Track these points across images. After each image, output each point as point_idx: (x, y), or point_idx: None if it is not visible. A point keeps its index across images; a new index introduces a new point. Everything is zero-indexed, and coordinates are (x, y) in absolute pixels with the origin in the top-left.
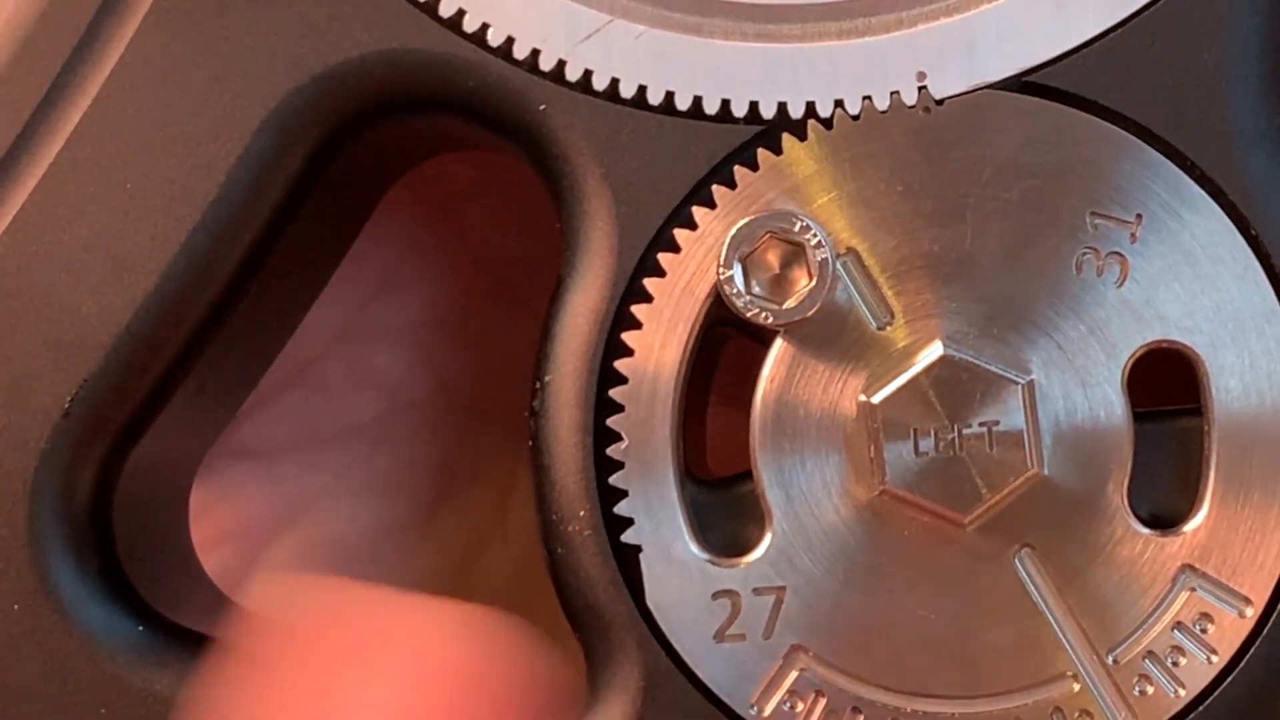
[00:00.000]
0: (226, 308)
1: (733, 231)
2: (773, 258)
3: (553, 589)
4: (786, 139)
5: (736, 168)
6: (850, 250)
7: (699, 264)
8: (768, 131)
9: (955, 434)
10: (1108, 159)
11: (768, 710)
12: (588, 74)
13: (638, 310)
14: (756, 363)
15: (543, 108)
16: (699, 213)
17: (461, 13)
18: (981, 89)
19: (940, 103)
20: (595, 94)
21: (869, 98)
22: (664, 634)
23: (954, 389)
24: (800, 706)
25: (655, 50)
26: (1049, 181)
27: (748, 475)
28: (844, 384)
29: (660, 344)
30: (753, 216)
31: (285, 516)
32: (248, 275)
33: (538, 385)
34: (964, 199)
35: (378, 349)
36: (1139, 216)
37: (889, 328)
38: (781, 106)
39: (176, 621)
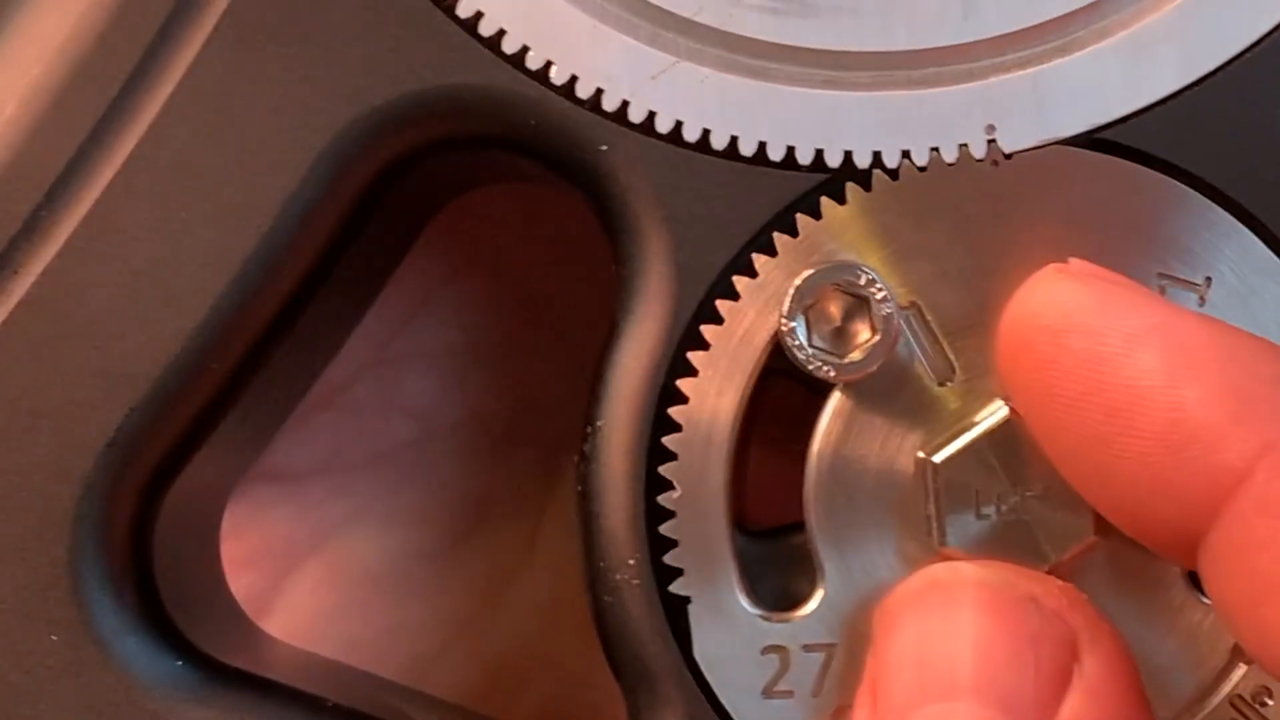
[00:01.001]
0: (274, 339)
1: (797, 282)
2: (835, 310)
3: (582, 620)
4: (850, 188)
5: (799, 216)
6: (912, 304)
7: (758, 312)
8: (831, 180)
9: (1018, 497)
10: (1177, 219)
11: None
12: (651, 115)
13: (694, 357)
14: (811, 413)
15: (604, 148)
16: (759, 260)
17: (525, 49)
18: (1051, 144)
19: (1009, 156)
20: (658, 136)
21: (936, 149)
22: (710, 687)
23: (1016, 450)
24: None
25: (721, 94)
26: (1116, 240)
27: (799, 527)
28: (902, 440)
29: (716, 392)
30: (818, 268)
31: (312, 541)
32: (297, 306)
33: (589, 429)
34: (1028, 255)
35: (409, 375)
36: (1208, 280)
37: (949, 384)
38: (847, 155)
39: (213, 655)
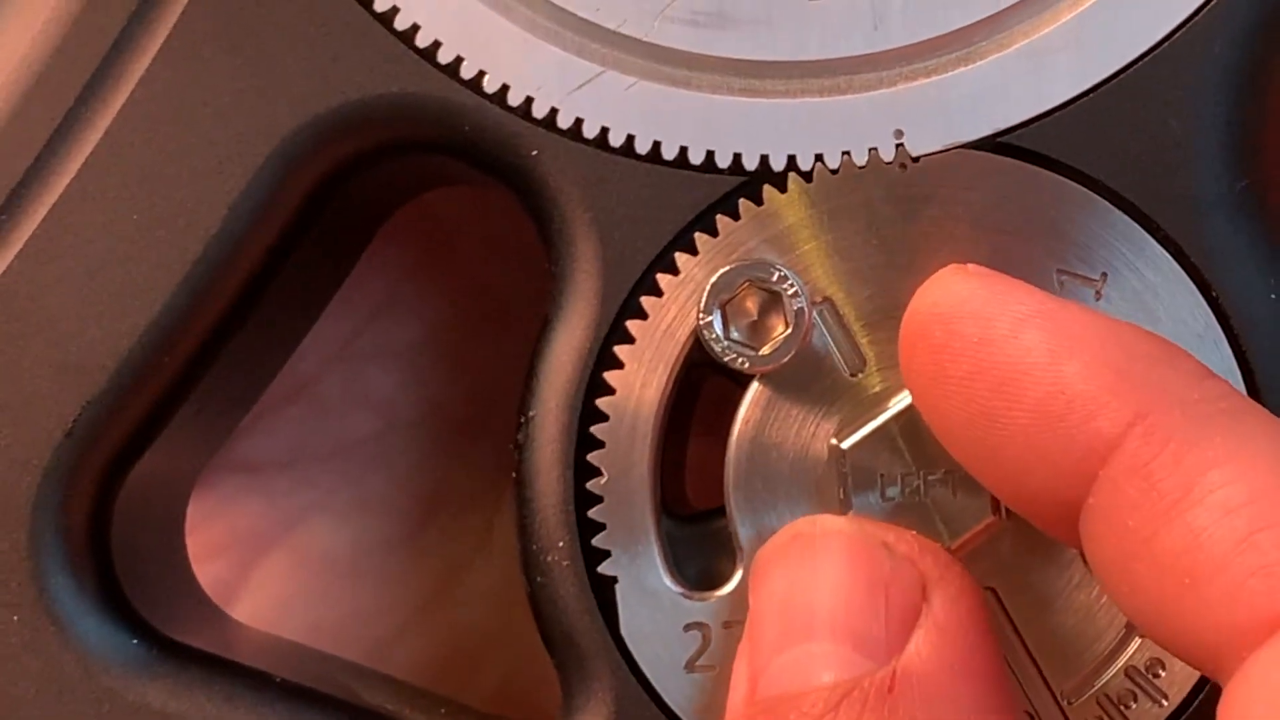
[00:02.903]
0: (225, 335)
1: (714, 279)
2: (751, 305)
3: None
4: (768, 190)
5: (719, 216)
6: (826, 299)
7: (680, 308)
8: (750, 182)
9: (920, 480)
10: (1075, 219)
11: None
12: (578, 122)
13: (620, 350)
14: (733, 403)
15: (535, 153)
16: (681, 258)
17: (459, 59)
18: (956, 148)
19: (916, 160)
20: (585, 141)
21: (848, 153)
22: (636, 663)
23: (920, 436)
24: None
25: (644, 101)
26: (1018, 238)
27: (722, 511)
28: (816, 428)
29: (641, 384)
30: (733, 265)
31: (278, 530)
32: (247, 305)
33: (522, 420)
34: (936, 253)
35: (372, 370)
36: (1104, 275)
37: (861, 375)
38: (764, 159)
39: (171, 636)
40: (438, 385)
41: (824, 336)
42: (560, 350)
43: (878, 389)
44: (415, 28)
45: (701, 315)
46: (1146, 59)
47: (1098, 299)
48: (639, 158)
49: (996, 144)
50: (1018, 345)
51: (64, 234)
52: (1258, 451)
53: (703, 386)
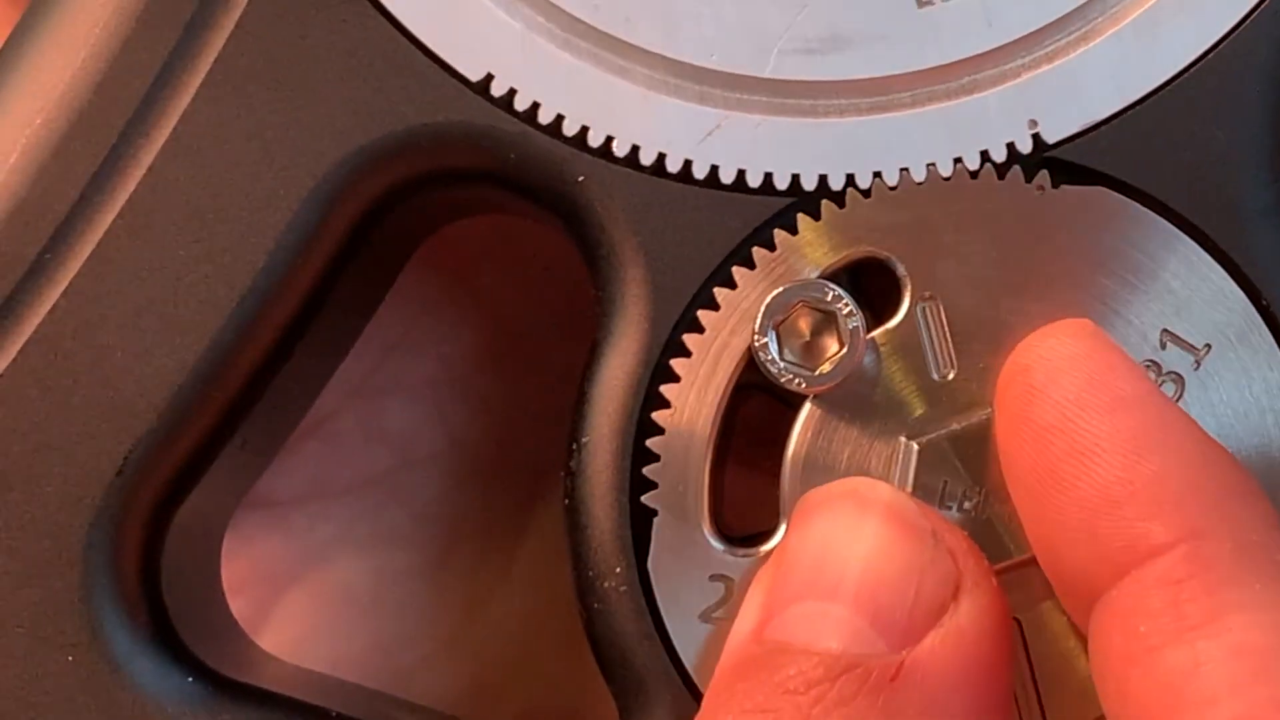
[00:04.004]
0: (272, 368)
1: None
2: (804, 325)
3: (560, 633)
4: (877, 186)
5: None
6: (932, 297)
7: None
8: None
9: (980, 497)
10: (1193, 282)
11: None
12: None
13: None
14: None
15: (581, 179)
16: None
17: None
18: (1090, 128)
19: (1056, 186)
20: (633, 166)
21: (985, 151)
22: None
23: (990, 455)
24: None
25: (774, 137)
26: (1133, 290)
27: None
28: (870, 447)
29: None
30: (787, 286)
31: (298, 566)
32: (293, 337)
33: (574, 446)
34: (1050, 284)
35: (390, 405)
36: (1208, 346)
37: (942, 380)
38: (904, 172)
39: (221, 672)
40: (457, 418)
41: (920, 333)
42: (611, 375)
43: (958, 398)
44: (532, 103)
45: (756, 337)
46: (1189, 71)
47: (1196, 368)
48: (690, 181)
49: (1044, 159)
50: (1108, 423)
51: (110, 272)
52: None
53: (740, 412)
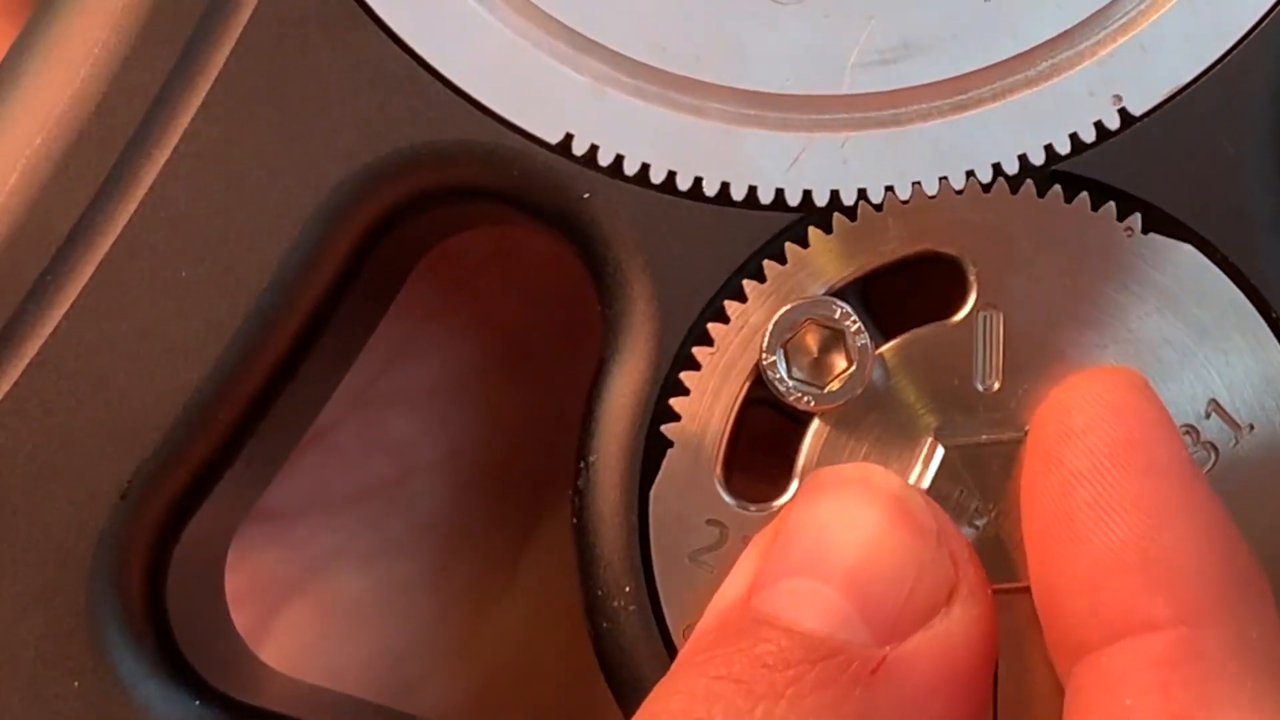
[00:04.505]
0: (277, 388)
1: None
2: (812, 342)
3: (563, 642)
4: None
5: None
6: (994, 306)
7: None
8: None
9: (993, 514)
10: (1251, 362)
11: None
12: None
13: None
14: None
15: (586, 196)
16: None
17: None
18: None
19: (1146, 231)
20: (639, 183)
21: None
22: (648, 526)
23: (1013, 475)
24: None
25: (862, 153)
26: (1191, 354)
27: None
28: (893, 439)
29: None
30: (794, 304)
31: (300, 577)
32: (297, 356)
33: (581, 465)
34: (1112, 325)
35: (392, 414)
36: (1251, 426)
37: (984, 390)
38: (996, 167)
39: (228, 693)
40: (458, 428)
41: (975, 339)
42: (618, 393)
43: (994, 412)
44: (615, 155)
45: (765, 355)
46: (1193, 85)
47: (1234, 444)
48: (696, 197)
49: (1053, 172)
50: (1136, 485)
51: (112, 293)
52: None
53: (744, 428)
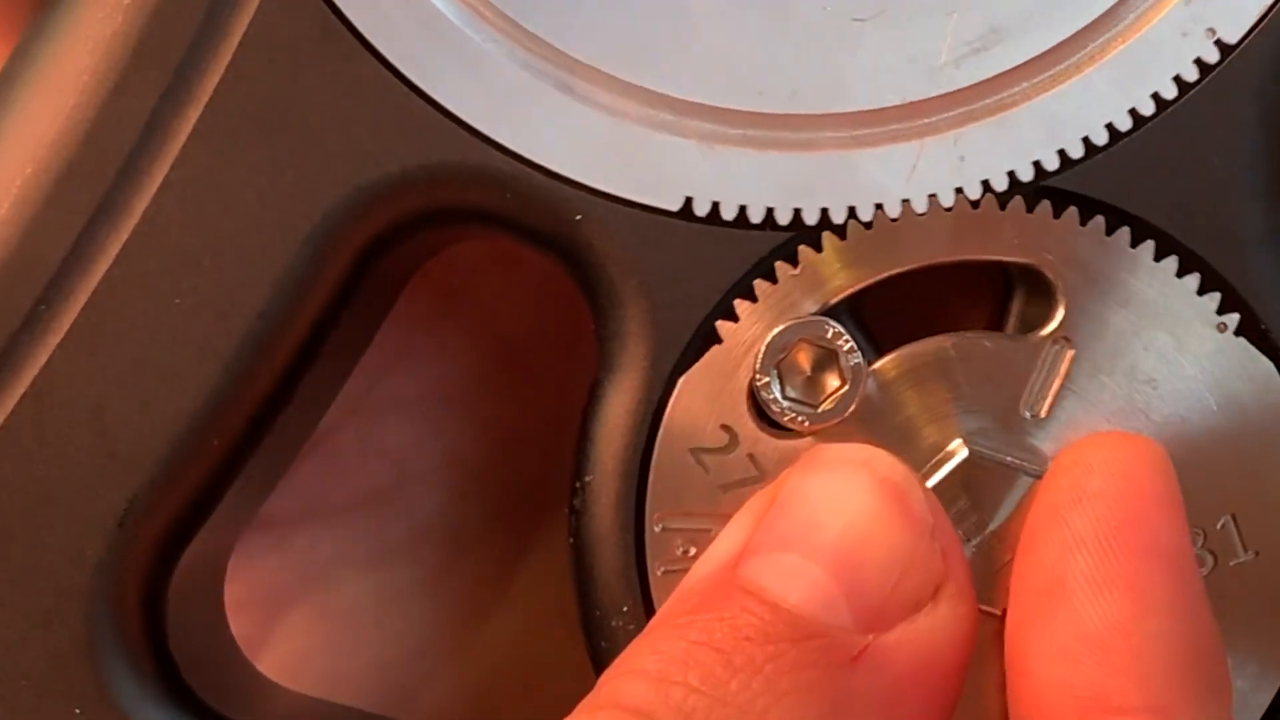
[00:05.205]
0: (272, 411)
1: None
2: (804, 361)
3: (559, 648)
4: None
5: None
6: (1066, 340)
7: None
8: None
9: (987, 535)
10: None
11: None
12: (852, 210)
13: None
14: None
15: (578, 218)
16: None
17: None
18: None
19: (1239, 334)
20: (630, 204)
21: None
22: (663, 409)
23: (1022, 504)
24: None
25: (977, 145)
26: (1232, 467)
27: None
28: (924, 427)
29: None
30: (788, 324)
31: (298, 584)
32: (292, 379)
33: (578, 485)
34: (1175, 405)
35: (389, 422)
36: (1256, 554)
37: (1030, 418)
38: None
39: (228, 716)
40: (455, 435)
41: (1038, 367)
42: (614, 414)
43: (1027, 438)
44: (739, 207)
45: (758, 376)
46: (1186, 96)
47: (1234, 563)
48: (696, 219)
49: (1041, 187)
50: (1134, 566)
51: (106, 321)
52: None
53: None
